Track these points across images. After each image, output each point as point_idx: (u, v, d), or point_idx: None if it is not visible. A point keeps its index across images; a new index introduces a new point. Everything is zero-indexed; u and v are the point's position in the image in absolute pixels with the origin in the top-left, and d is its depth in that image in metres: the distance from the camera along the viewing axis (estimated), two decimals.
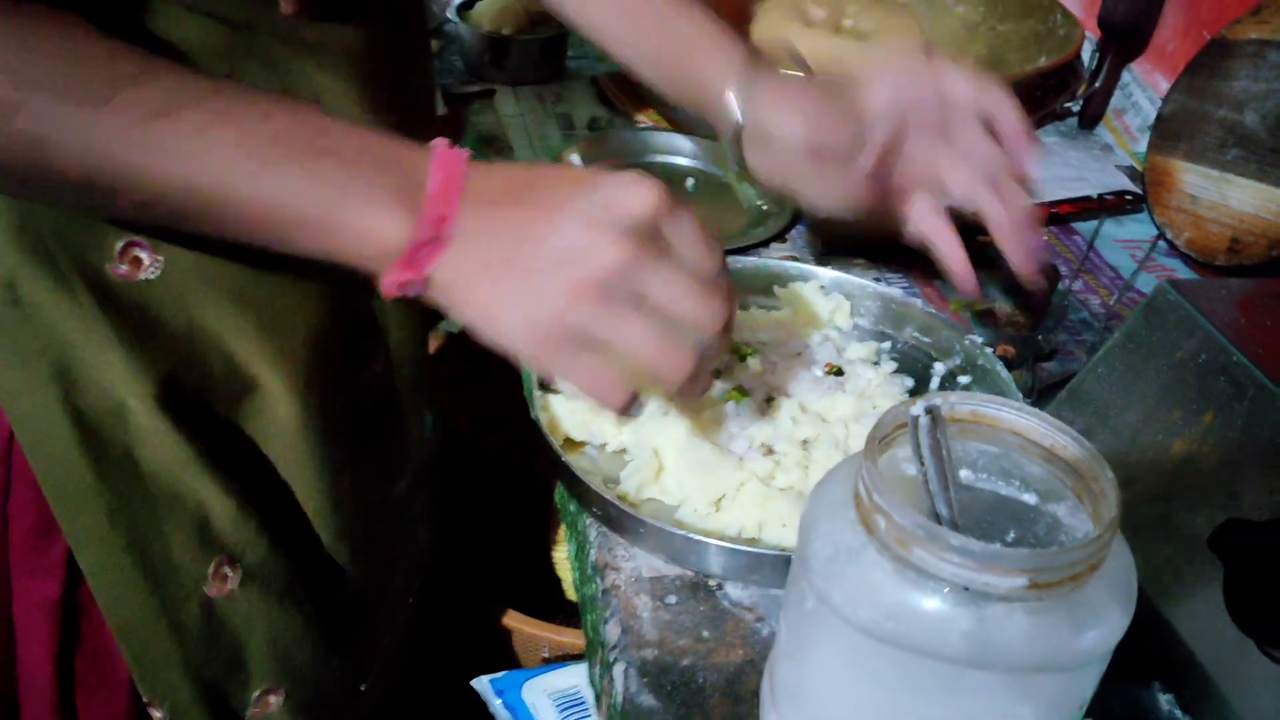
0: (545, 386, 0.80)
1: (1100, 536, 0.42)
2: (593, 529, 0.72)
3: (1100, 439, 0.65)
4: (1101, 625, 0.43)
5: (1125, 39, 1.25)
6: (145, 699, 0.71)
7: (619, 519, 0.69)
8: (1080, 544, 0.42)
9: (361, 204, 0.56)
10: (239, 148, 0.54)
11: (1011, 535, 0.47)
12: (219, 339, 0.67)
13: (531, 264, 0.57)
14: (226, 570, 0.70)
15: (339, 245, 0.57)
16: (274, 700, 0.76)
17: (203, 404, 0.68)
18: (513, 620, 1.20)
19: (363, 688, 0.86)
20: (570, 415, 0.76)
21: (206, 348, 0.67)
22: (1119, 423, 0.64)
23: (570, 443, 0.77)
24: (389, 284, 0.57)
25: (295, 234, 0.57)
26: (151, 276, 0.63)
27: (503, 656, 1.21)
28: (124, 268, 0.63)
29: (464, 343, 1.42)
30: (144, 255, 0.63)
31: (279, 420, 0.71)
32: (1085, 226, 1.09)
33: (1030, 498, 0.48)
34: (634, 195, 0.57)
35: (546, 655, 1.19)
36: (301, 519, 0.75)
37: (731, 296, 0.61)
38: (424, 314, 0.82)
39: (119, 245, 0.62)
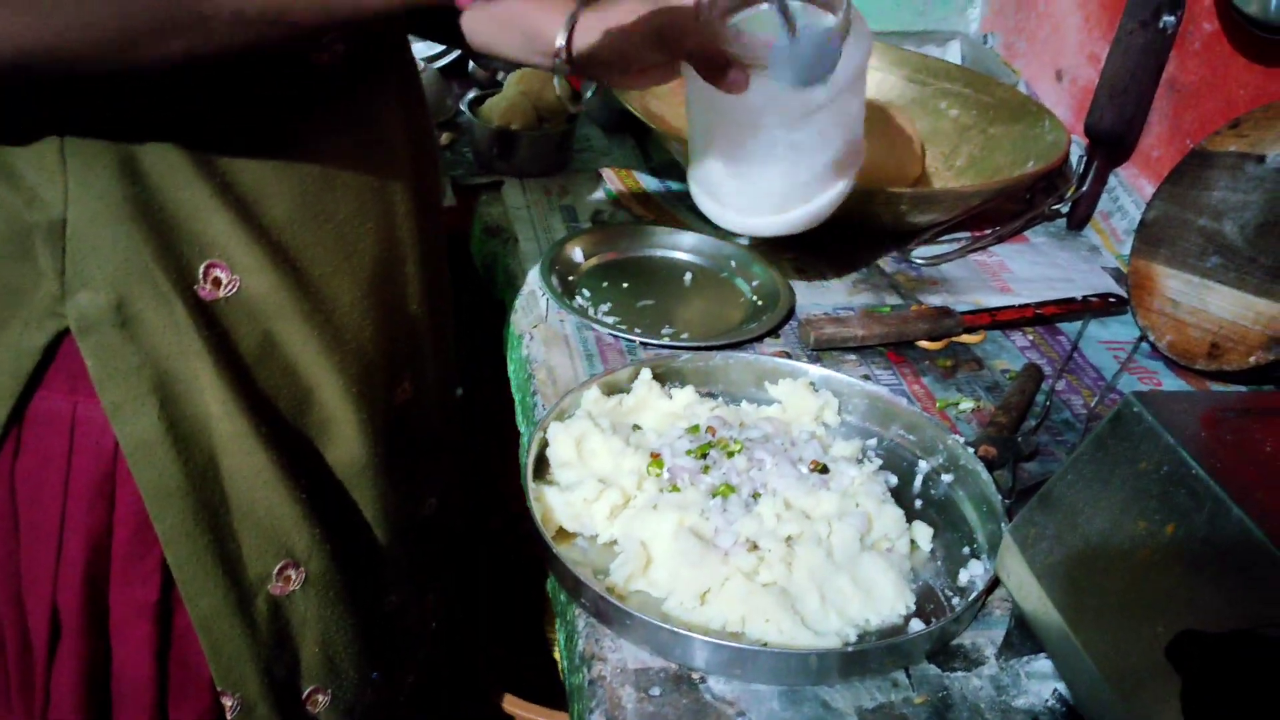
0: (540, 477, 0.83)
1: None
2: (581, 619, 0.74)
3: (1069, 543, 0.67)
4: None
5: (1111, 145, 1.30)
6: (219, 688, 0.78)
7: (607, 611, 0.72)
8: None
9: None
10: None
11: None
12: (285, 351, 0.75)
13: None
14: (290, 572, 0.78)
15: None
16: (321, 700, 0.84)
17: (274, 414, 0.76)
18: (503, 702, 1.22)
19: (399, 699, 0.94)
20: (564, 506, 0.79)
21: (274, 360, 0.75)
22: (1088, 529, 0.66)
23: (562, 533, 0.79)
24: None
25: None
26: (229, 295, 0.72)
27: None
28: (207, 287, 0.71)
29: (465, 419, 1.45)
30: (223, 275, 0.71)
31: (337, 430, 0.79)
32: (1070, 327, 1.12)
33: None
34: None
35: None
36: (356, 531, 0.83)
37: None
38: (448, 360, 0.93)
39: (202, 267, 0.70)
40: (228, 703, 0.78)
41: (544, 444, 0.85)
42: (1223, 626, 0.56)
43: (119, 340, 0.69)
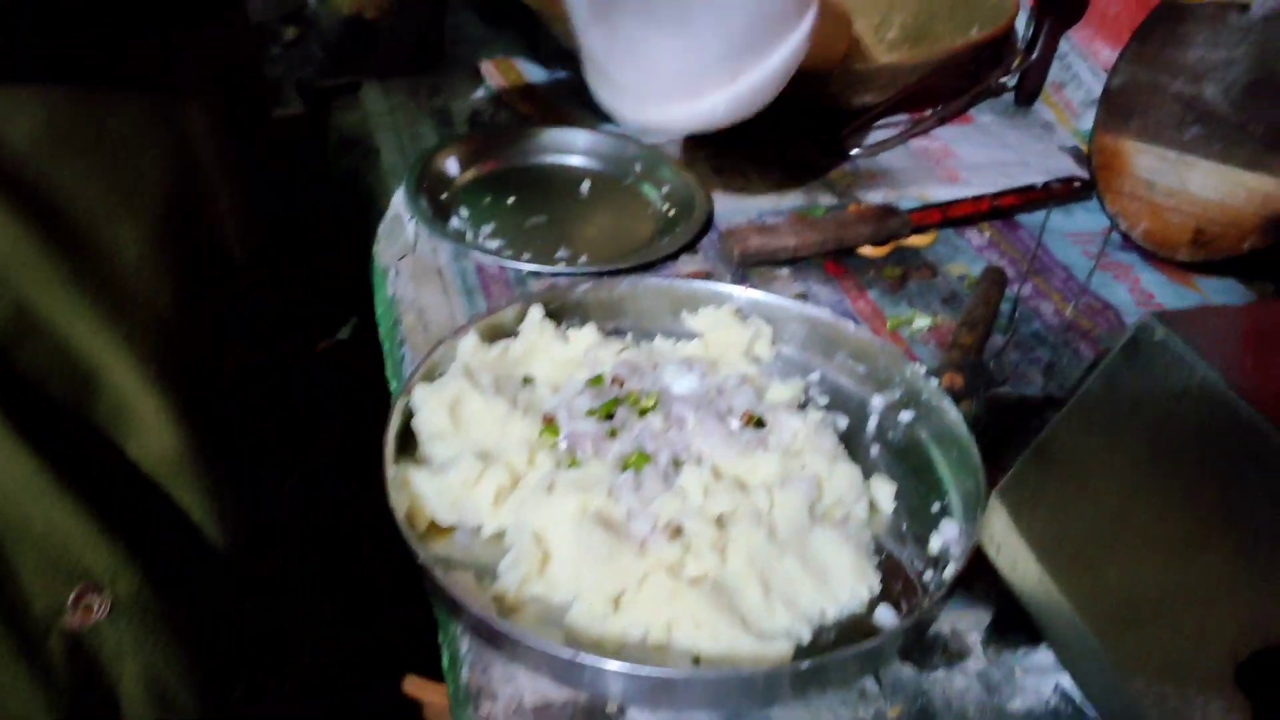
0: (408, 454, 0.66)
1: None
2: (464, 640, 0.58)
3: (1078, 510, 0.53)
4: None
5: (1062, 5, 1.13)
6: None
7: (491, 633, 0.56)
8: None
9: None
10: None
11: None
12: (51, 323, 0.58)
13: None
14: (92, 599, 0.62)
15: None
16: None
17: (45, 406, 0.59)
18: (417, 688, 1.07)
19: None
20: (437, 494, 0.62)
21: (36, 337, 0.58)
22: (1101, 493, 0.51)
23: (436, 527, 0.63)
24: None
25: None
26: None
27: None
28: None
29: (345, 360, 1.27)
30: None
31: (136, 418, 0.62)
32: (1031, 219, 0.97)
33: None
34: None
35: None
36: (183, 534, 0.67)
37: None
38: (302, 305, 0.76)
39: None
40: None
41: (410, 412, 0.68)
42: None
43: None
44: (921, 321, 0.82)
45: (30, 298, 0.57)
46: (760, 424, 0.66)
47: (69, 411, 0.60)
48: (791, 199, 0.97)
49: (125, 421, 0.62)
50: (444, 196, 0.92)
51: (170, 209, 0.62)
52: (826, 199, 0.98)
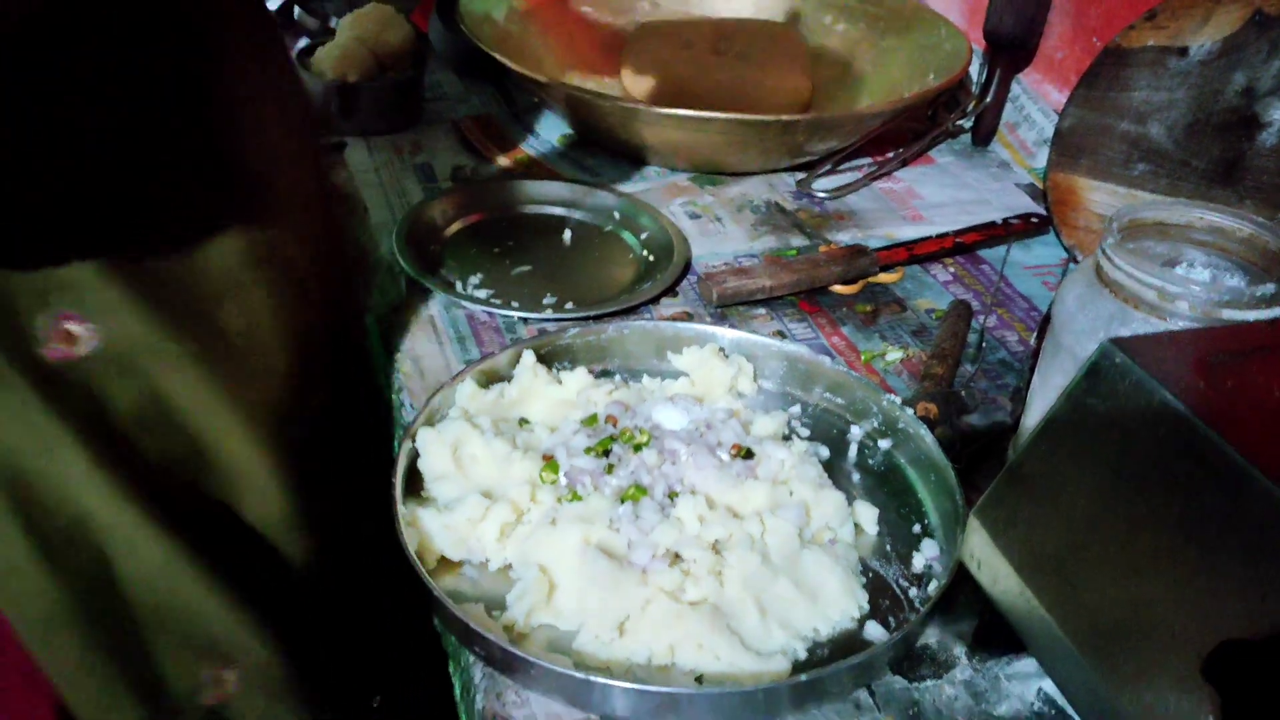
0: (414, 495, 0.69)
1: None
2: (477, 669, 0.61)
3: (1052, 527, 0.56)
4: None
5: (1014, 50, 1.19)
6: None
7: (505, 659, 0.59)
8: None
9: None
10: None
11: None
12: (175, 408, 0.60)
13: None
14: (225, 675, 0.64)
15: None
16: None
17: (172, 489, 0.61)
18: None
19: None
20: (443, 531, 0.65)
21: (164, 422, 0.60)
22: (1072, 510, 0.55)
23: (445, 563, 0.66)
24: None
25: None
26: (90, 351, 0.56)
27: None
28: (58, 347, 0.56)
29: None
30: (76, 328, 0.56)
31: (252, 485, 0.65)
32: (992, 254, 1.02)
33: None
34: None
35: None
36: (296, 601, 0.69)
37: None
38: None
39: (47, 321, 0.55)
40: None
41: (414, 455, 0.71)
42: (1258, 626, 0.46)
43: None
44: (894, 354, 0.86)
45: (160, 384, 0.59)
46: (749, 455, 0.70)
47: (191, 488, 0.63)
48: (765, 241, 1.02)
49: (239, 489, 0.65)
50: (432, 248, 0.95)
51: (287, 284, 0.66)
52: (798, 240, 1.02)
